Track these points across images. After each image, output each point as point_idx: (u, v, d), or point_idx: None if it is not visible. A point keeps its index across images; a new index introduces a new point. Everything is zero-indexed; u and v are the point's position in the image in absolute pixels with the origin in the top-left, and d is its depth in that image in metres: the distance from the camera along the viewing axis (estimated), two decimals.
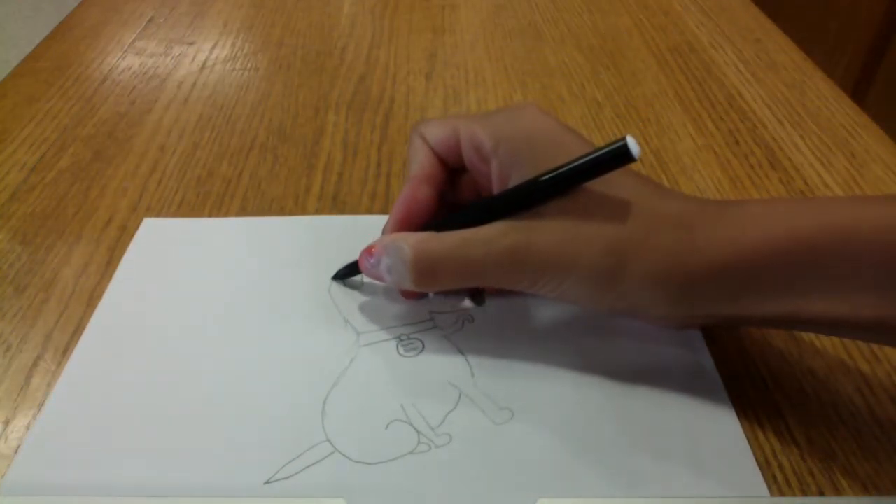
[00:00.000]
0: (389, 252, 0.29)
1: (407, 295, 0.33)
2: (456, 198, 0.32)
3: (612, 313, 0.31)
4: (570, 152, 0.27)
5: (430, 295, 0.33)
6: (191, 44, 0.55)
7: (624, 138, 0.25)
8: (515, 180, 0.28)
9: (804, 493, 0.26)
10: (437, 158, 0.31)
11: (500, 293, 0.33)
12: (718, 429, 0.28)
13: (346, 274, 0.34)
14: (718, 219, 0.26)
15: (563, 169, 0.26)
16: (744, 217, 0.26)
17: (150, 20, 0.59)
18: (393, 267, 0.29)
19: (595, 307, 0.29)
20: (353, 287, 0.34)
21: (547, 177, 0.27)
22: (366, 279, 0.34)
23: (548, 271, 0.27)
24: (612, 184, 0.27)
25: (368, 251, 0.30)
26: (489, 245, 0.27)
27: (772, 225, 0.25)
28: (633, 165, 0.26)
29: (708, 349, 0.31)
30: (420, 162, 0.31)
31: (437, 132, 0.31)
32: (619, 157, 0.25)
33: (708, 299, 0.26)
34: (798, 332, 0.31)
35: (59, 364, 0.30)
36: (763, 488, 0.26)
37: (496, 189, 0.29)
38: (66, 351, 0.31)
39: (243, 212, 0.38)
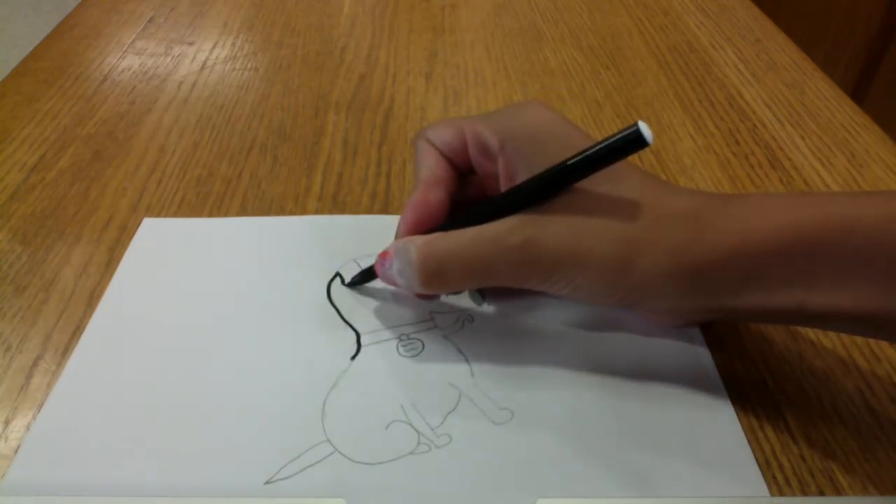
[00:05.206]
0: (399, 255, 0.29)
1: (421, 297, 0.32)
2: (465, 201, 0.32)
3: (619, 307, 0.30)
4: (575, 146, 0.27)
5: (443, 297, 0.33)
6: (191, 44, 0.55)
7: (636, 124, 0.25)
8: (523, 177, 0.28)
9: (804, 493, 0.26)
10: (446, 161, 0.31)
11: (504, 293, 0.33)
12: (718, 429, 0.28)
13: (360, 280, 0.33)
14: (724, 211, 0.26)
15: (576, 158, 0.26)
16: (748, 209, 0.26)
17: (150, 20, 0.59)
18: (402, 270, 0.29)
19: (605, 303, 0.29)
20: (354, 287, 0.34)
21: (559, 167, 0.27)
22: None
23: (560, 266, 0.27)
24: (618, 180, 0.27)
25: (383, 256, 0.30)
26: (498, 241, 0.27)
27: (776, 217, 0.25)
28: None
29: (708, 349, 0.31)
30: (429, 165, 0.31)
31: (442, 134, 0.31)
32: (632, 143, 0.25)
33: (714, 291, 0.26)
34: (799, 330, 0.31)
35: (59, 364, 0.30)
36: (763, 488, 0.26)
37: (504, 188, 0.29)
38: (66, 351, 0.31)
39: (243, 212, 0.38)
